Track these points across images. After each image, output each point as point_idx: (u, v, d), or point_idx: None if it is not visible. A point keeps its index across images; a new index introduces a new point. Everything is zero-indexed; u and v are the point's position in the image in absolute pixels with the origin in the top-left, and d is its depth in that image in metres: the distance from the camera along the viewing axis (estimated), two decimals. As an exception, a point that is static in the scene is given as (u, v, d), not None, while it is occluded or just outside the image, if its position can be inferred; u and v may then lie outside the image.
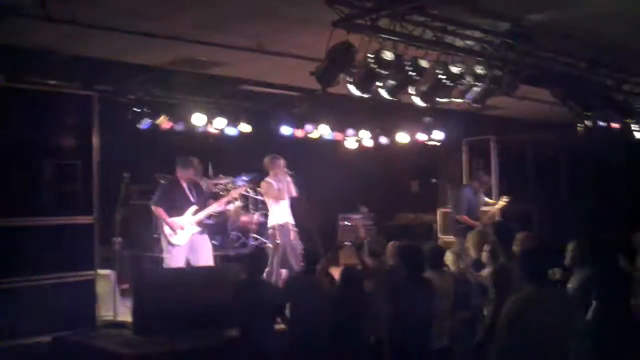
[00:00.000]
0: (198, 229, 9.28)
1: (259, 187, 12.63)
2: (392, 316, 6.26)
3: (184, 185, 9.40)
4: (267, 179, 10.04)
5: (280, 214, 9.92)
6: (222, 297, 7.11)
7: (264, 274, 9.58)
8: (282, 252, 9.66)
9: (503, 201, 11.34)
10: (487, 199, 11.54)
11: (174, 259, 9.05)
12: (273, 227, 9.88)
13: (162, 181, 11.63)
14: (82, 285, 7.90)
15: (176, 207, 9.20)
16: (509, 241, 6.76)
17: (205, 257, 9.30)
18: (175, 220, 9.11)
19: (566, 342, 4.80)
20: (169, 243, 9.11)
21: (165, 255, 9.24)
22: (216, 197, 10.51)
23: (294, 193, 10.04)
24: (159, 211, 9.17)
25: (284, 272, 9.51)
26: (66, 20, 6.49)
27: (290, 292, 6.92)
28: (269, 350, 6.40)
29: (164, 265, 9.26)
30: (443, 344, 6.60)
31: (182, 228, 9.12)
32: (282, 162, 9.94)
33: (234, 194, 10.48)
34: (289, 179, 9.95)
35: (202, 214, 9.36)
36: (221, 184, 12.25)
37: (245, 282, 6.74)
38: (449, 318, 6.69)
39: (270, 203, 10.01)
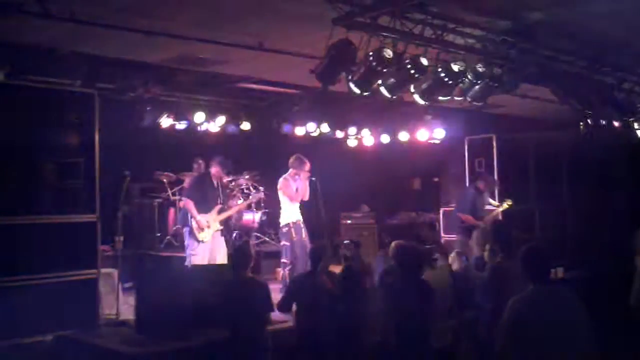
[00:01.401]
0: (221, 227, 9.40)
1: (260, 184, 12.71)
2: (389, 316, 6.29)
3: (215, 182, 9.50)
4: (287, 176, 10.08)
5: (293, 212, 10.01)
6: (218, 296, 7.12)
7: (287, 272, 9.72)
8: (298, 248, 9.74)
9: (507, 204, 11.32)
10: (490, 200, 11.51)
11: (200, 257, 9.12)
12: (288, 225, 9.95)
13: (164, 180, 11.71)
14: (85, 284, 7.88)
15: (204, 203, 9.28)
16: (506, 241, 6.75)
17: (222, 257, 9.35)
18: (203, 216, 9.18)
19: (568, 341, 4.81)
20: (196, 239, 9.16)
21: (190, 252, 9.24)
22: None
23: (307, 198, 10.13)
24: (190, 205, 9.22)
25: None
26: (66, 18, 6.50)
27: (295, 291, 6.94)
28: (260, 348, 6.42)
29: (188, 263, 9.27)
30: (443, 343, 6.62)
31: (208, 226, 9.19)
32: (308, 165, 10.01)
33: (254, 199, 10.53)
34: (307, 183, 10.02)
35: (226, 214, 9.51)
36: (223, 182, 12.28)
37: (232, 280, 6.73)
38: (446, 317, 6.71)
39: (284, 201, 10.05)
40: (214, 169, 9.51)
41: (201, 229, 9.13)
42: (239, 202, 12.06)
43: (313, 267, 7.09)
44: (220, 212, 9.38)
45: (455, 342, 6.81)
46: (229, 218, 11.56)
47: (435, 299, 6.49)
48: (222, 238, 9.56)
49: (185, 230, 9.36)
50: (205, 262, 9.10)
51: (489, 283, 6.31)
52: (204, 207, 9.25)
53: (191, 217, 9.20)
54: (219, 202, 9.42)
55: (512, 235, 6.90)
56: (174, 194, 12.15)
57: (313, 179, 10.09)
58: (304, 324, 6.75)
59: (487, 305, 6.24)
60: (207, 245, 9.20)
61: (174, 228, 11.68)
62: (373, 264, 9.13)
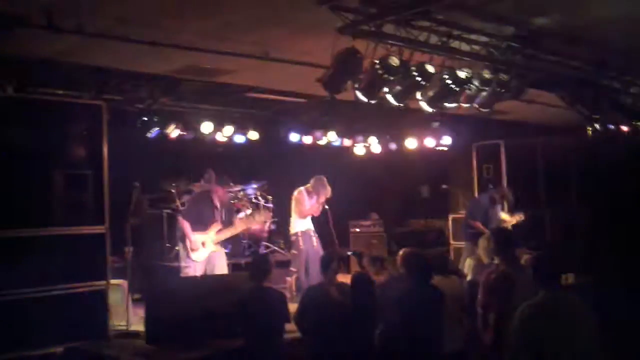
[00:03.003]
0: (218, 248, 9.30)
1: (269, 194, 12.72)
2: (401, 324, 6.27)
3: (215, 201, 9.42)
4: (303, 190, 10.13)
5: (302, 222, 10.03)
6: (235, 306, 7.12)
7: (294, 280, 9.73)
8: (304, 258, 9.73)
9: (518, 217, 11.26)
10: (502, 215, 11.45)
11: (192, 271, 9.09)
12: (296, 234, 10.01)
13: (172, 190, 11.71)
14: (94, 295, 7.90)
15: (202, 222, 9.22)
16: (508, 247, 6.68)
17: (220, 272, 9.29)
18: (198, 237, 9.11)
19: (577, 347, 4.80)
20: (189, 257, 9.13)
21: (183, 264, 9.25)
22: (226, 205, 10.57)
23: (317, 214, 10.26)
24: (185, 225, 9.16)
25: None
26: (74, 31, 6.54)
27: (305, 301, 6.94)
28: (275, 358, 6.42)
29: (183, 275, 9.26)
30: (454, 348, 6.60)
31: (203, 245, 9.14)
32: (328, 192, 10.08)
33: (260, 219, 10.51)
34: (321, 206, 10.07)
35: (224, 235, 9.38)
36: (231, 192, 12.29)
37: (249, 290, 6.74)
38: (457, 323, 6.69)
39: (294, 211, 10.10)
40: (214, 187, 9.46)
41: (195, 249, 9.09)
42: (248, 211, 12.07)
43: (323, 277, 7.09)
44: (218, 232, 9.28)
45: (467, 347, 6.79)
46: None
47: (446, 304, 6.47)
48: (222, 255, 9.44)
49: (181, 244, 9.35)
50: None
51: (492, 290, 6.29)
52: (201, 226, 9.18)
53: (186, 237, 9.17)
54: (218, 221, 9.34)
55: (513, 241, 6.81)
56: (182, 205, 12.16)
57: (327, 207, 10.14)
58: (314, 335, 6.73)
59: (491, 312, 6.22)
60: (201, 264, 9.14)
61: (167, 244, 11.51)
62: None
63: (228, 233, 9.47)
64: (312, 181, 10.22)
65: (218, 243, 9.30)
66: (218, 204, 9.43)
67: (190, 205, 9.57)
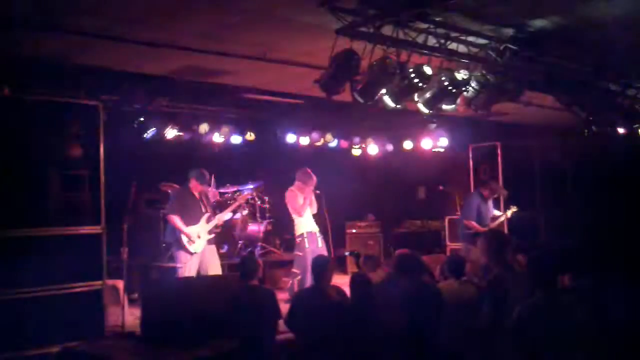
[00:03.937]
0: (212, 236, 9.37)
1: (265, 195, 12.71)
2: (397, 325, 6.26)
3: (196, 194, 9.47)
4: (293, 188, 10.14)
5: (307, 222, 10.06)
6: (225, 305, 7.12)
7: (296, 282, 9.71)
8: (309, 259, 9.73)
9: (511, 211, 11.28)
10: (495, 211, 11.45)
11: (188, 269, 9.08)
12: (302, 235, 10.00)
13: (169, 190, 11.69)
14: (90, 295, 7.89)
15: (190, 216, 9.27)
16: (501, 250, 6.68)
17: (214, 267, 9.32)
18: (192, 228, 9.17)
19: (572, 349, 4.80)
20: (187, 252, 9.13)
21: (178, 265, 9.24)
22: (223, 206, 10.59)
23: (315, 210, 10.25)
24: (175, 220, 9.19)
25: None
26: (70, 30, 6.53)
27: (299, 303, 6.93)
28: (270, 356, 6.42)
29: (177, 275, 9.25)
30: (454, 349, 6.59)
31: (198, 236, 9.18)
32: (314, 180, 10.08)
33: (243, 199, 10.55)
34: (313, 196, 10.07)
35: (215, 221, 9.45)
36: (228, 193, 12.28)
37: (239, 289, 6.74)
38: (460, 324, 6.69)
39: (292, 212, 10.11)
40: (191, 183, 9.47)
41: (192, 242, 9.13)
42: (244, 212, 12.07)
43: (316, 280, 7.05)
44: (208, 220, 9.37)
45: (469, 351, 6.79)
46: (233, 229, 11.57)
47: (442, 304, 6.44)
48: (214, 248, 9.50)
49: (175, 244, 9.35)
50: (194, 275, 9.11)
51: (487, 293, 6.30)
52: (190, 219, 9.24)
53: (179, 232, 9.19)
54: (204, 211, 9.40)
55: (506, 244, 6.80)
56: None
57: (317, 192, 10.13)
58: (311, 336, 6.72)
59: (488, 315, 6.22)
60: (197, 257, 9.18)
61: (163, 245, 11.49)
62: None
63: (218, 218, 9.54)
64: (298, 174, 10.22)
65: (211, 232, 9.37)
66: (197, 194, 9.48)
67: (175, 201, 9.58)
